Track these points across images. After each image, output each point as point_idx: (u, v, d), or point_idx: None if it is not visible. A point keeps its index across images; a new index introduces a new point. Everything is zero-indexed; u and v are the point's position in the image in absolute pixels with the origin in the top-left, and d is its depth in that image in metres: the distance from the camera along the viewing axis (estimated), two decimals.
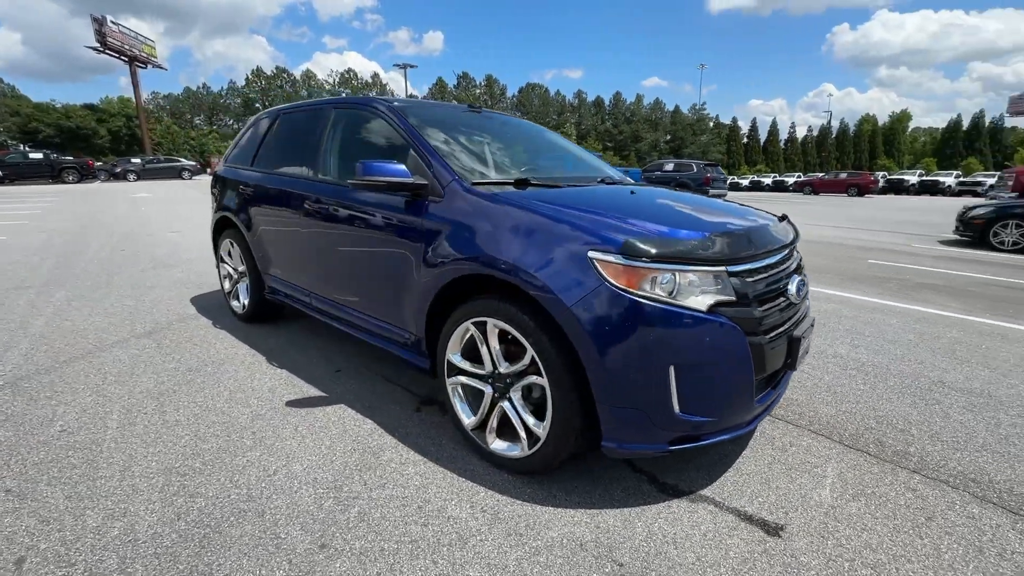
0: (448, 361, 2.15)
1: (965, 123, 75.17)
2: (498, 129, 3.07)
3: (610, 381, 1.64)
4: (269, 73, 70.40)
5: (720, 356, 1.67)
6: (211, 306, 4.22)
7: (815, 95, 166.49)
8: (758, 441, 2.29)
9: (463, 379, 2.13)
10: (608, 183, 2.69)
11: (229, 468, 2.01)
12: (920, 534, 1.73)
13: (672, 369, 1.63)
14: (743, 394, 1.75)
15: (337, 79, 72.44)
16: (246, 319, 3.77)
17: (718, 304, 1.66)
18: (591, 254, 1.67)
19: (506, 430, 2.05)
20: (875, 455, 2.21)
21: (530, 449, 1.90)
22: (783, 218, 2.30)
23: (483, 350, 2.00)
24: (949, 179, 33.99)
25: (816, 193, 31.82)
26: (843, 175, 32.08)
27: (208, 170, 49.38)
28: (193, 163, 31.98)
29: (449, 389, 2.18)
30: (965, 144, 74.00)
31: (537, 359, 1.79)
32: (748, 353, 1.69)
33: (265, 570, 1.52)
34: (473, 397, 2.16)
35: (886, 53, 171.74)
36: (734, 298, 1.69)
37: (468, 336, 2.06)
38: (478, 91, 75.76)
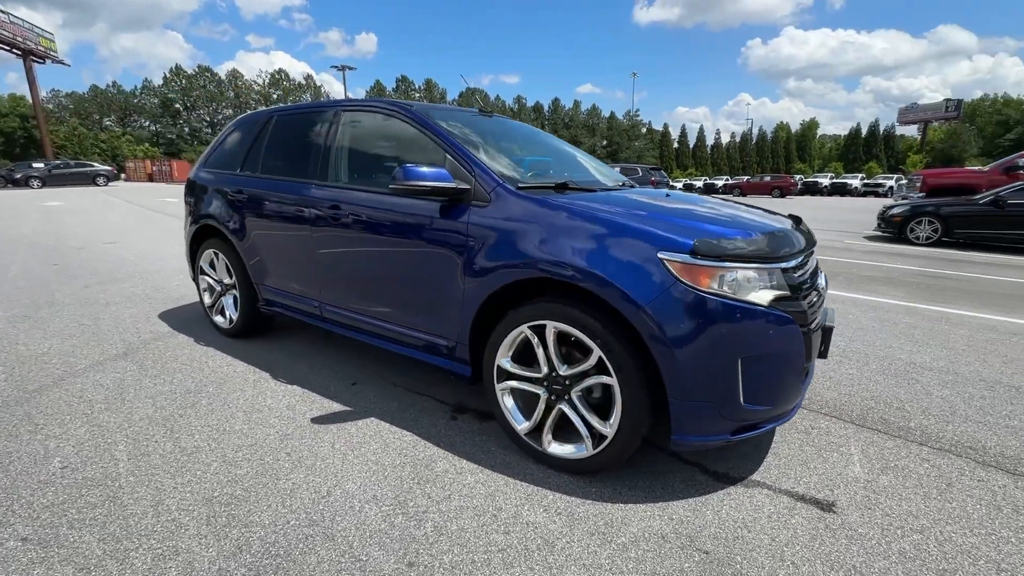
0: (498, 366, 2.13)
1: (863, 131, 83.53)
2: (512, 133, 3.08)
3: (684, 377, 1.70)
4: (190, 72, 65.80)
5: (780, 347, 1.78)
6: (186, 321, 3.90)
7: (734, 104, 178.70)
8: (783, 426, 2.45)
9: (514, 384, 2.12)
10: (628, 187, 2.77)
11: (276, 492, 1.89)
12: (947, 499, 1.93)
13: (740, 362, 1.72)
14: (796, 382, 1.88)
15: (267, 80, 68.95)
16: (233, 334, 3.52)
17: (776, 299, 1.77)
18: (661, 255, 1.73)
19: (560, 432, 2.07)
20: (884, 431, 2.43)
21: (595, 448, 1.93)
22: (798, 219, 2.48)
23: (539, 353, 2.01)
24: (855, 181, 37.59)
25: (744, 195, 34.10)
26: (767, 178, 34.69)
27: (123, 176, 45.41)
28: (108, 168, 29.25)
29: (499, 395, 2.16)
30: (865, 150, 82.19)
31: (605, 359, 1.82)
32: (802, 343, 1.81)
33: None
34: (524, 401, 2.16)
35: (793, 66, 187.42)
36: (788, 292, 1.82)
37: (519, 340, 2.06)
38: (418, 95, 74.81)
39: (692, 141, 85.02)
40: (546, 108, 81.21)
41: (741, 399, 1.76)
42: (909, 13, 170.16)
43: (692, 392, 1.72)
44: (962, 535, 1.73)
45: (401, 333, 2.52)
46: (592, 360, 1.87)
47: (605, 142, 77.17)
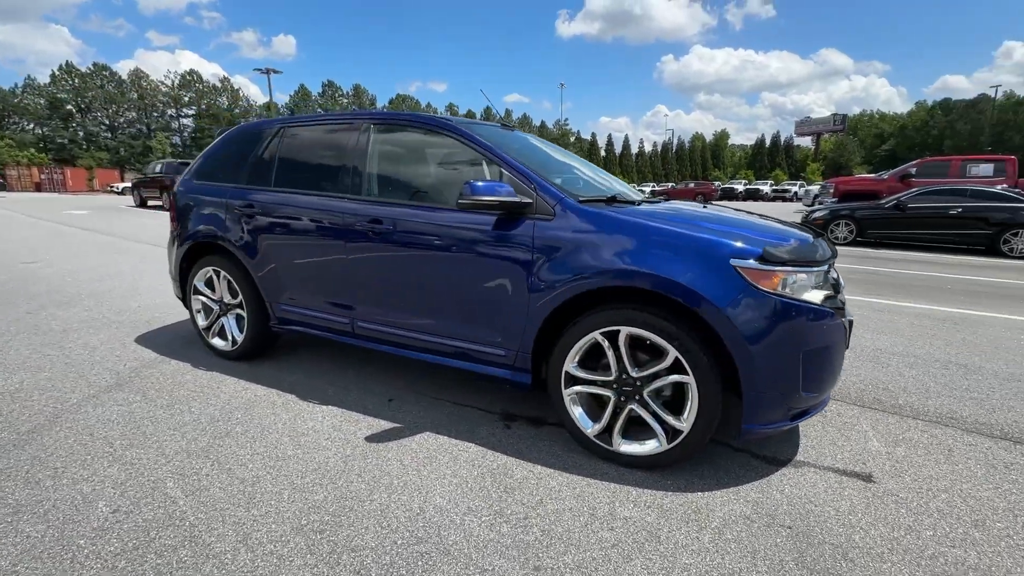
0: (566, 373, 2.22)
1: (767, 141, 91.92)
2: (534, 147, 3.18)
3: (759, 371, 1.89)
4: (84, 70, 59.44)
5: (830, 339, 2.02)
6: (170, 346, 3.61)
7: (652, 115, 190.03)
8: None
9: (580, 388, 2.22)
10: (655, 200, 2.96)
11: (366, 514, 1.85)
12: (953, 462, 2.26)
13: (802, 355, 1.94)
14: (837, 372, 2.13)
15: (177, 81, 63.81)
16: (236, 356, 3.31)
17: (825, 297, 2.02)
18: (733, 262, 1.91)
19: (628, 431, 2.19)
20: (882, 410, 2.78)
21: (669, 444, 2.07)
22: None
23: (611, 357, 2.12)
24: (766, 187, 41.39)
25: (668, 199, 36.25)
26: (691, 184, 37.21)
27: (2, 184, 40.04)
28: None
29: (566, 400, 2.25)
30: (769, 158, 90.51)
31: (682, 359, 1.97)
32: (844, 335, 2.07)
33: None
34: (590, 405, 2.26)
35: (703, 81, 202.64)
36: (832, 292, 2.07)
37: (587, 346, 2.17)
38: (345, 100, 72.59)
39: (618, 149, 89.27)
40: (479, 117, 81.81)
41: (801, 389, 1.97)
42: (798, 37, 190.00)
43: (764, 385, 1.91)
44: (977, 490, 2.05)
45: (452, 346, 2.53)
46: (667, 361, 2.01)
47: None
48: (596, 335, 2.11)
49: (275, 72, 41.29)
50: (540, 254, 2.20)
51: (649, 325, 2.00)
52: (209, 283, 3.38)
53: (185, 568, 1.59)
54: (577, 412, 2.25)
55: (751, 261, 1.91)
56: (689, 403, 2.01)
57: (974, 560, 1.66)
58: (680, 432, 2.05)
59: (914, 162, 12.29)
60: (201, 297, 3.41)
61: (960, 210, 9.34)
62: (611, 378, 2.15)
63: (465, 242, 2.37)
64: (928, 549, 1.71)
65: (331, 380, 3.06)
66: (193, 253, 3.38)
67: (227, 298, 3.29)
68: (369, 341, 2.81)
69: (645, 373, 2.08)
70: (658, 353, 2.06)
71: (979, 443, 2.44)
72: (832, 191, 12.86)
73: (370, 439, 2.39)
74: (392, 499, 1.94)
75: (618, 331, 2.07)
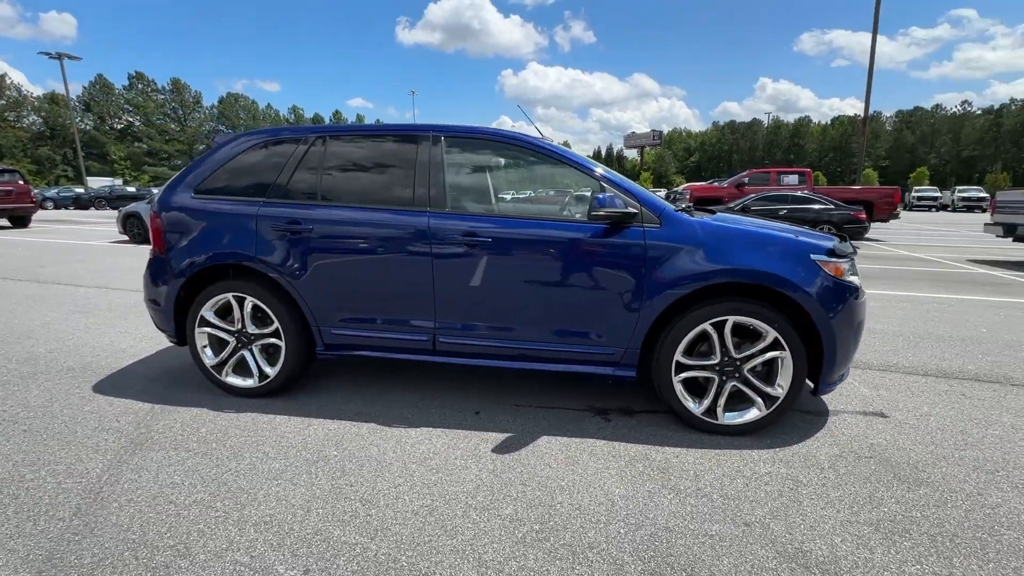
0: (676, 362, 2.52)
1: (603, 153, 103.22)
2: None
3: (837, 343, 2.42)
4: None
5: (865, 314, 2.65)
6: (161, 390, 3.01)
7: (497, 124, 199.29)
8: None
9: (687, 374, 2.55)
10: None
11: (569, 515, 1.92)
12: (965, 403, 3.10)
13: (855, 325, 2.53)
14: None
15: None
16: (263, 393, 2.92)
17: (859, 281, 2.65)
18: (813, 256, 2.42)
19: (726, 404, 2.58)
20: (879, 369, 3.61)
21: (768, 409, 2.51)
22: None
23: (716, 344, 2.49)
24: None
25: None
26: (551, 192, 40.04)
27: None
28: None
29: (676, 387, 2.55)
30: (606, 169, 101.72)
31: (780, 338, 2.42)
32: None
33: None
34: (693, 388, 2.60)
35: (540, 96, 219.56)
36: (858, 276, 2.72)
37: (694, 336, 2.50)
38: (161, 96, 62.29)
39: None
40: (327, 121, 76.83)
41: (852, 353, 2.57)
42: (615, 62, 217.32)
43: (840, 354, 2.45)
44: (952, 413, 2.87)
45: (551, 351, 2.65)
46: (767, 341, 2.44)
47: None
48: (706, 326, 2.46)
49: (72, 58, 33.59)
50: (652, 258, 2.47)
51: (754, 313, 2.41)
52: (222, 312, 2.93)
53: None
54: (684, 396, 2.56)
55: (823, 256, 2.44)
56: (782, 374, 2.47)
57: (970, 453, 2.38)
58: (776, 399, 2.50)
59: (745, 172, 15.20)
60: (210, 330, 2.92)
61: (786, 211, 11.86)
62: (715, 362, 2.52)
63: (574, 250, 2.53)
64: (949, 453, 2.39)
65: (394, 402, 2.91)
66: (203, 279, 2.89)
67: (251, 328, 2.88)
68: (452, 356, 2.77)
69: (746, 353, 2.49)
70: (754, 335, 2.48)
71: (980, 388, 3.32)
72: (688, 197, 15.26)
73: (497, 450, 2.40)
74: (578, 498, 2.04)
75: (725, 320, 2.45)
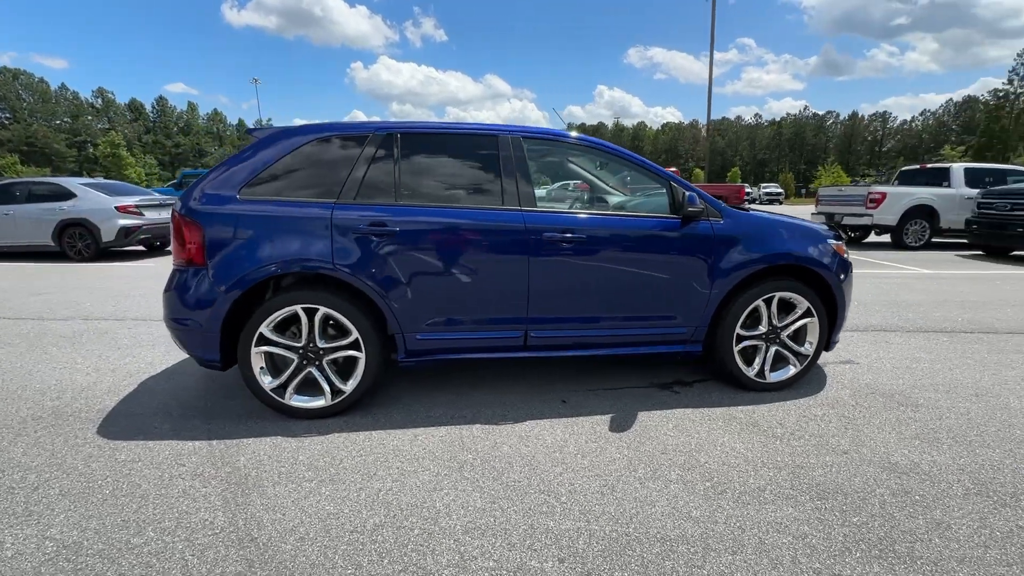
0: (737, 334, 2.98)
1: None
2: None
3: (844, 305, 3.10)
4: None
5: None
6: (202, 419, 2.57)
7: (349, 119, 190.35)
8: None
9: (745, 344, 3.02)
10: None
11: (728, 479, 2.23)
12: (886, 348, 4.03)
13: (850, 292, 3.25)
14: None
15: None
16: (336, 412, 2.70)
17: None
18: (829, 242, 3.06)
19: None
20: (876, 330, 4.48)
21: (800, 366, 3.10)
22: None
23: (764, 316, 3.00)
24: None
25: None
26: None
27: None
28: None
29: (736, 355, 3.00)
30: None
31: (812, 308, 3.01)
32: None
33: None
34: (747, 355, 3.08)
35: (395, 92, 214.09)
36: None
37: (750, 311, 2.98)
38: None
39: None
40: (150, 108, 65.47)
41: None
42: (468, 62, 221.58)
43: (843, 313, 3.14)
44: (916, 357, 3.80)
45: (635, 335, 2.93)
46: (801, 310, 3.02)
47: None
48: (759, 301, 2.95)
49: None
50: (719, 247, 2.88)
51: (793, 288, 2.97)
52: (280, 328, 2.62)
53: None
54: (740, 363, 3.04)
55: (832, 239, 3.10)
56: (810, 336, 3.08)
57: (923, 381, 3.26)
58: (807, 356, 3.10)
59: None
60: (270, 348, 2.60)
61: None
62: (763, 331, 3.03)
63: (658, 243, 2.83)
64: (913, 382, 3.24)
65: (479, 403, 2.91)
66: (256, 292, 2.55)
67: (320, 341, 2.63)
68: (542, 350, 2.87)
69: (786, 322, 3.04)
70: (789, 306, 3.05)
71: (966, 339, 4.32)
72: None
73: (615, 430, 2.60)
74: (715, 456, 2.35)
75: (773, 296, 2.97)
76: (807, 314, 3.06)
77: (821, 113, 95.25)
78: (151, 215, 8.82)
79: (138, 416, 2.73)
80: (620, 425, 2.66)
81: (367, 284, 2.59)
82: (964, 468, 2.24)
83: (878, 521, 1.89)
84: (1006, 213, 8.85)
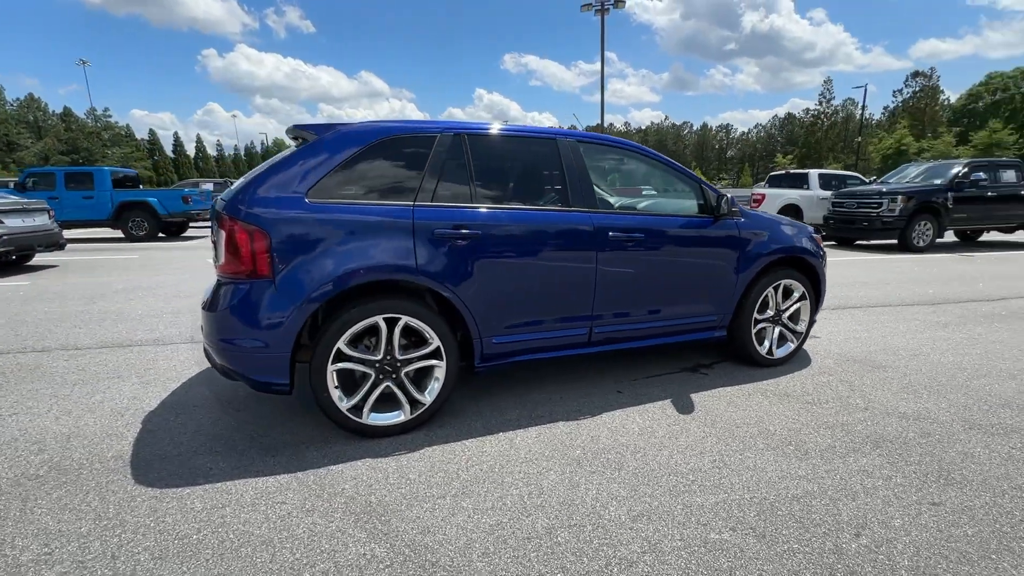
0: (754, 318, 3.40)
1: None
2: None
3: (825, 291, 3.70)
4: None
5: None
6: (255, 452, 2.27)
7: (205, 113, 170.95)
8: None
9: (760, 326, 3.46)
10: None
11: (802, 440, 2.57)
12: (839, 322, 4.79)
13: None
14: None
15: None
16: (415, 426, 2.57)
17: None
18: (814, 236, 3.63)
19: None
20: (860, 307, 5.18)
21: (797, 342, 3.63)
22: None
23: (772, 301, 3.47)
24: None
25: None
26: None
27: None
28: None
29: (753, 334, 3.43)
30: None
31: (807, 291, 3.55)
32: None
33: None
34: (759, 337, 3.52)
35: (257, 84, 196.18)
36: None
37: (764, 296, 3.43)
38: None
39: (169, 149, 76.59)
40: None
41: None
42: (341, 57, 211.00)
43: (823, 296, 3.74)
44: (870, 328, 4.57)
45: (677, 325, 3.20)
46: (797, 295, 3.54)
47: (67, 147, 57.69)
48: (769, 289, 3.41)
49: None
50: (743, 242, 3.26)
51: (792, 276, 3.48)
52: (354, 341, 2.42)
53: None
54: (756, 340, 3.47)
55: (814, 232, 3.68)
56: (803, 316, 3.63)
57: (875, 347, 4.03)
58: (800, 334, 3.64)
59: None
60: (347, 365, 2.38)
61: None
62: (772, 314, 3.50)
63: (701, 239, 3.13)
64: (870, 349, 3.97)
65: (545, 402, 2.95)
66: (333, 303, 2.33)
67: (399, 353, 2.49)
68: (603, 344, 3.01)
69: (787, 306, 3.54)
70: (788, 292, 3.56)
71: (943, 309, 5.10)
72: None
73: (682, 412, 2.83)
74: (776, 424, 2.69)
75: (780, 284, 3.45)
76: (802, 298, 3.60)
77: (678, 123, 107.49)
78: (12, 222, 7.15)
79: (176, 458, 2.32)
80: (683, 408, 2.90)
81: (448, 288, 2.51)
82: (949, 411, 2.85)
83: (928, 458, 2.35)
84: (854, 211, 10.93)
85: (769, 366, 3.55)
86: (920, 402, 2.96)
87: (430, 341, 2.52)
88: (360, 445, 2.44)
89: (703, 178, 3.49)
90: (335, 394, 2.38)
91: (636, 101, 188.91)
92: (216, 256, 2.44)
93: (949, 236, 11.81)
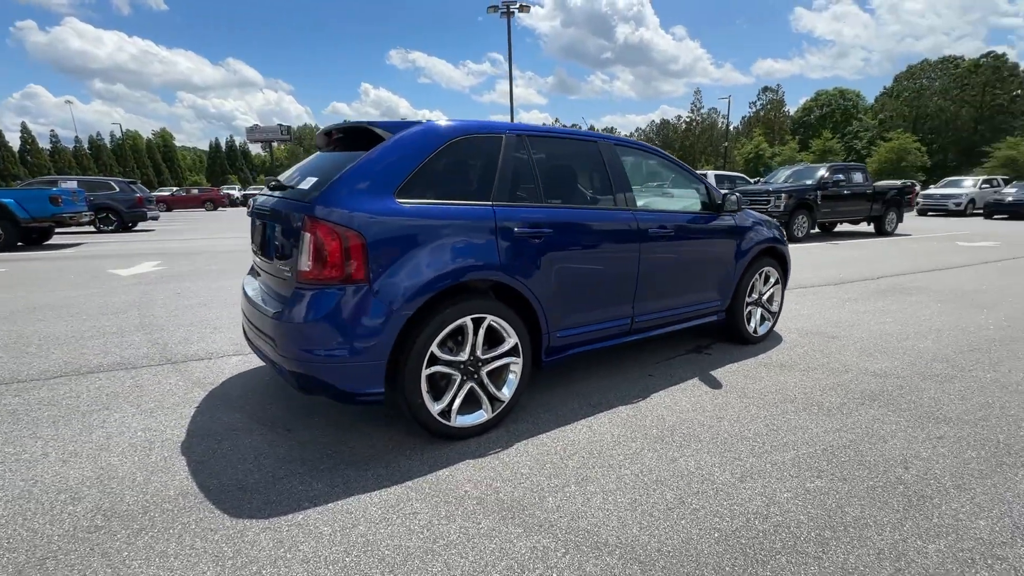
0: (746, 301, 3.88)
1: (223, 146, 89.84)
2: None
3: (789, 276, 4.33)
4: None
5: None
6: (341, 467, 2.16)
7: (24, 97, 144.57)
8: None
9: (750, 308, 3.96)
10: None
11: (820, 401, 3.03)
12: (808, 302, 5.52)
13: None
14: None
15: None
16: (493, 425, 2.60)
17: None
18: (779, 226, 4.22)
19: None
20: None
21: (772, 321, 4.20)
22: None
23: (759, 286, 3.99)
24: (234, 191, 41.93)
25: (170, 209, 30.98)
26: (195, 191, 33.09)
27: None
28: None
29: (745, 315, 3.91)
30: (229, 163, 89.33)
31: (780, 278, 4.13)
32: None
33: None
34: (748, 316, 4.02)
35: (96, 66, 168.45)
36: None
37: (753, 282, 3.92)
38: None
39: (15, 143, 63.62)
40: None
41: None
42: (202, 40, 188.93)
43: (788, 280, 4.37)
44: (823, 306, 5.33)
45: (689, 311, 3.55)
46: (775, 278, 4.11)
47: None
48: (756, 276, 3.92)
49: None
50: (741, 234, 3.71)
51: (771, 264, 4.03)
52: (446, 343, 2.38)
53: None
54: (745, 321, 3.96)
55: (778, 224, 4.29)
56: (776, 298, 4.21)
57: (826, 323, 4.79)
58: (774, 313, 4.22)
59: None
60: (437, 368, 2.34)
61: None
62: (756, 298, 4.02)
63: (714, 232, 3.51)
64: (821, 324, 4.72)
65: (591, 393, 3.12)
66: (432, 303, 2.27)
67: (481, 352, 2.49)
68: (641, 332, 3.25)
69: (765, 289, 4.09)
70: (767, 278, 4.11)
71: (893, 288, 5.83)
72: None
73: (713, 388, 3.17)
74: (795, 391, 3.14)
75: (763, 270, 3.97)
76: (776, 282, 4.17)
77: (568, 125, 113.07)
78: None
79: (258, 486, 2.10)
80: (713, 384, 3.25)
81: (525, 285, 2.57)
82: (904, 367, 3.54)
83: (914, 405, 2.92)
84: None
85: (755, 343, 4.07)
86: (880, 362, 3.63)
87: (507, 339, 2.56)
88: (449, 448, 2.41)
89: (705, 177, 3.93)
90: (427, 399, 2.32)
91: (525, 103, 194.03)
92: (296, 261, 2.21)
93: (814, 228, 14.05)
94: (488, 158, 2.57)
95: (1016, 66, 44.19)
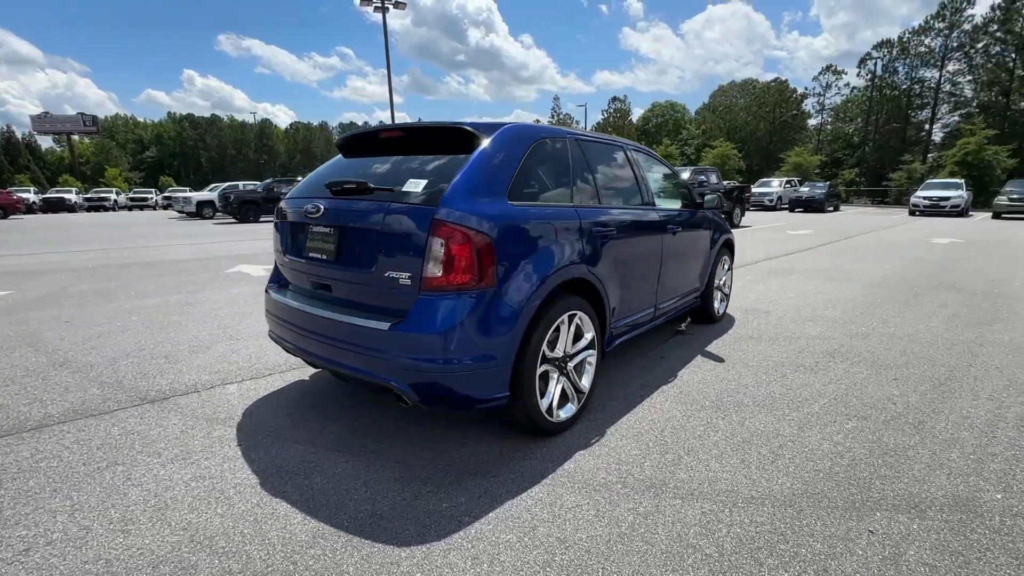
0: (716, 285, 4.50)
1: None
2: None
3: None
4: None
5: None
6: (437, 475, 2.13)
7: None
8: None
9: (716, 292, 4.58)
10: None
11: (802, 362, 3.67)
12: (743, 282, 6.32)
13: None
14: None
15: None
16: (578, 416, 2.71)
17: None
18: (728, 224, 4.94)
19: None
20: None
21: (726, 303, 4.91)
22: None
23: (720, 272, 4.64)
24: (71, 196, 35.04)
25: None
26: None
27: None
28: None
29: (716, 302, 4.52)
30: (8, 159, 71.45)
31: (730, 265, 4.84)
32: None
33: None
34: (714, 298, 4.64)
35: None
36: None
37: (716, 268, 4.55)
38: None
39: None
40: None
41: None
42: None
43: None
44: (780, 289, 6.18)
45: (687, 297, 4.01)
46: (727, 266, 4.80)
47: None
48: (719, 263, 4.56)
49: None
50: (713, 228, 4.29)
51: (727, 252, 4.71)
52: (549, 339, 2.43)
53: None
54: (715, 304, 4.58)
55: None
56: (729, 283, 4.92)
57: (787, 306, 5.71)
58: (727, 295, 4.93)
59: None
60: (545, 367, 2.38)
61: None
62: (719, 282, 4.67)
63: (704, 225, 4.00)
64: (752, 299, 5.61)
65: (635, 376, 3.38)
66: (548, 301, 2.31)
67: (569, 347, 2.59)
68: (660, 319, 3.60)
69: (724, 272, 4.77)
70: (724, 263, 4.79)
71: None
72: None
73: (718, 362, 3.66)
74: (781, 356, 3.76)
75: (723, 258, 4.63)
76: (729, 268, 4.88)
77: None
78: None
79: (396, 511, 1.95)
80: (717, 359, 3.74)
81: (600, 284, 2.72)
82: (833, 332, 4.43)
83: (868, 357, 3.73)
84: None
85: (717, 322, 4.72)
86: (815, 328, 4.50)
87: (585, 333, 2.69)
88: (551, 445, 2.47)
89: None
90: (537, 394, 2.36)
91: (381, 100, 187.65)
92: (419, 267, 2.04)
93: None
94: (560, 161, 2.67)
95: (795, 90, 55.70)
